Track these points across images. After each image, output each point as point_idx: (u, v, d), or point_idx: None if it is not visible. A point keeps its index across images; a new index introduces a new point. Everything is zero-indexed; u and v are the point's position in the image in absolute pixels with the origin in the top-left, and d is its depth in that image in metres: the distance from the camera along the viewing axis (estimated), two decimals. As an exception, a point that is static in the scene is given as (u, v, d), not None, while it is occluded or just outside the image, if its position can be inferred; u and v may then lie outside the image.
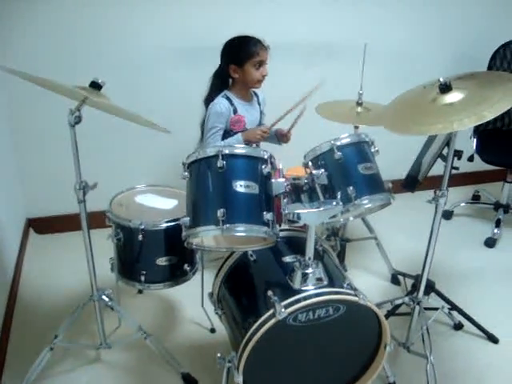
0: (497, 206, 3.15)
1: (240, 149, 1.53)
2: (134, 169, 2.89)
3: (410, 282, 2.37)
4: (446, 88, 1.53)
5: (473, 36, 3.19)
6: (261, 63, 2.20)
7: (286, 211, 1.51)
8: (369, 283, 2.56)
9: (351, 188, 1.58)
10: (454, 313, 2.25)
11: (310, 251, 1.60)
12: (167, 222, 1.82)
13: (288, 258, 1.75)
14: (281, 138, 2.36)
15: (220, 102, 2.23)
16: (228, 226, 1.44)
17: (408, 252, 2.78)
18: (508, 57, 2.88)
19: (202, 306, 2.18)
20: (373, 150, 1.69)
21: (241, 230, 1.46)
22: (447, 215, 3.19)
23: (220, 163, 1.47)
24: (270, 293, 1.56)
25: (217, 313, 1.90)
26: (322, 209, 1.52)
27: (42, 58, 2.54)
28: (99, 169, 2.60)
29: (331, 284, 1.61)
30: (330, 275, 1.65)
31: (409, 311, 2.04)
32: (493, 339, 2.19)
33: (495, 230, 2.98)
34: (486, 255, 2.89)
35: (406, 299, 2.00)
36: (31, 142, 2.73)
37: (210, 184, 1.52)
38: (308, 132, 2.41)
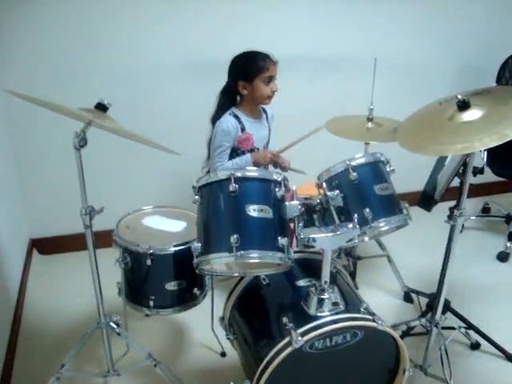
0: (508, 218, 3.09)
1: (253, 172, 1.48)
2: (141, 188, 2.85)
3: (423, 300, 2.32)
4: (464, 105, 1.48)
5: (480, 47, 3.15)
6: (270, 78, 2.15)
7: (302, 235, 1.45)
8: (381, 301, 2.50)
9: (367, 210, 1.54)
10: (471, 331, 2.18)
11: (325, 275, 1.55)
12: (176, 245, 1.77)
13: (302, 282, 1.69)
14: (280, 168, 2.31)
15: (227, 121, 2.18)
16: (242, 252, 1.39)
17: (420, 268, 2.73)
18: (517, 68, 2.84)
19: (212, 328, 2.12)
20: (388, 170, 1.64)
21: (255, 257, 1.40)
22: (458, 228, 3.13)
23: (232, 187, 1.42)
24: (284, 319, 1.50)
25: (228, 338, 1.84)
26: (338, 233, 1.47)
27: (43, 78, 2.50)
28: (105, 188, 2.58)
29: (348, 309, 1.56)
30: (345, 299, 1.60)
31: (424, 331, 1.99)
32: (511, 359, 2.13)
33: (508, 244, 2.92)
34: (499, 269, 2.83)
35: (423, 321, 1.94)
36: (34, 160, 2.69)
37: (221, 209, 1.46)
38: (317, 149, 2.37)
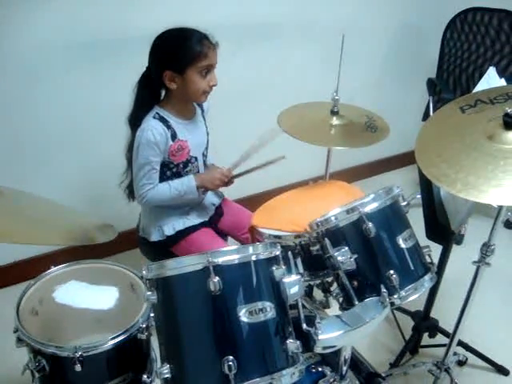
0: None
1: (236, 253, 0.97)
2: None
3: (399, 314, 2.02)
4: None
5: (420, 3, 2.77)
6: (209, 68, 1.58)
7: (319, 336, 1.00)
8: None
9: (392, 274, 1.11)
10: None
11: (343, 371, 1.13)
12: (114, 337, 1.23)
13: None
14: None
15: (152, 128, 1.59)
16: (244, 385, 0.91)
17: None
18: (466, 29, 2.49)
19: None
20: (404, 204, 1.22)
21: (263, 388, 0.93)
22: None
23: (213, 284, 0.91)
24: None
25: None
26: (367, 320, 1.03)
27: None
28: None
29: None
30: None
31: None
32: (503, 371, 1.91)
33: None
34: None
35: (429, 365, 1.61)
36: None
37: (200, 318, 0.95)
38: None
